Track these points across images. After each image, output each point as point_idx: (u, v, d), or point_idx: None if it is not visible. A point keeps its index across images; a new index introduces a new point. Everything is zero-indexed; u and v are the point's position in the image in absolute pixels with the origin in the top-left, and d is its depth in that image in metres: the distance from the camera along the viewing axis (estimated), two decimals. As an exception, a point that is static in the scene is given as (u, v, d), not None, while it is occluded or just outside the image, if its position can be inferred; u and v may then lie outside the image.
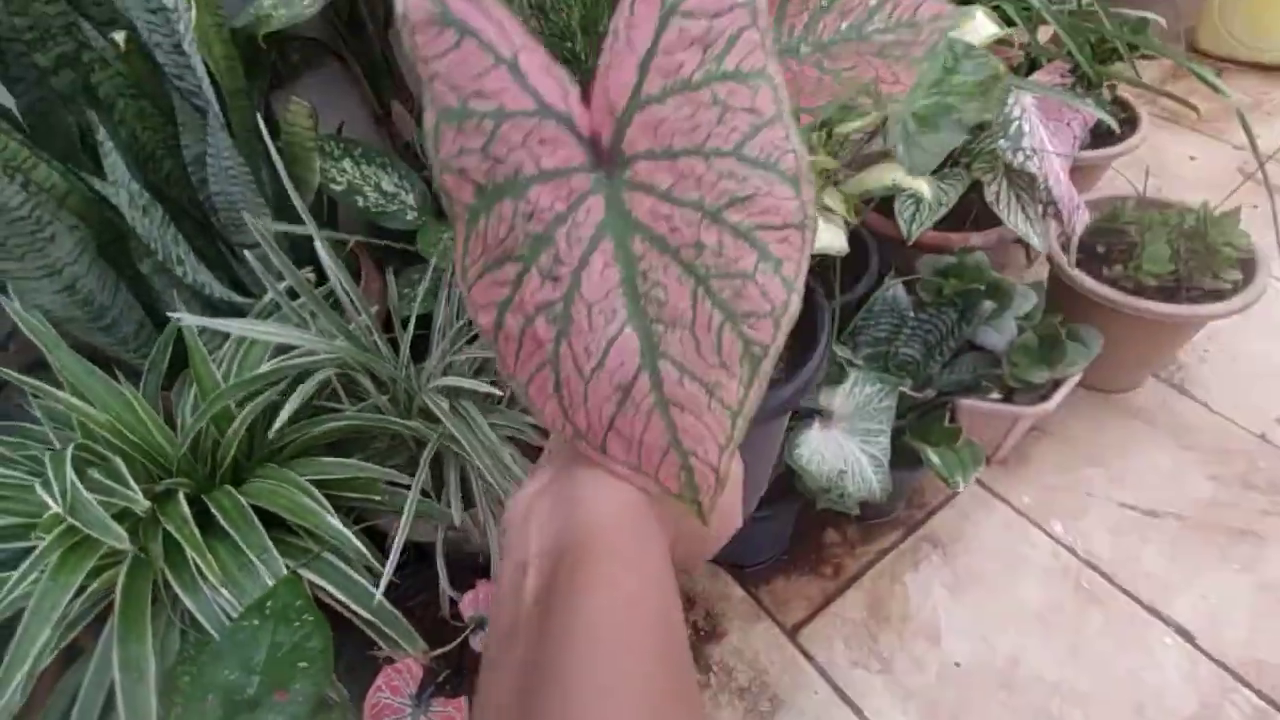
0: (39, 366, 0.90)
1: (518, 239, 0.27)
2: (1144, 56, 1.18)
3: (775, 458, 0.61)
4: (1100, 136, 1.36)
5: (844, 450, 0.81)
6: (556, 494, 0.29)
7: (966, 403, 0.97)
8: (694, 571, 1.07)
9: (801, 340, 0.61)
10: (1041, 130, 1.06)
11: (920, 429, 0.93)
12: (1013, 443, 1.10)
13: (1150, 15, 1.17)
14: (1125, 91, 1.42)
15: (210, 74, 0.76)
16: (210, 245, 0.91)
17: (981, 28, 0.87)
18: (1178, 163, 1.68)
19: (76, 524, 0.61)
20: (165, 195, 0.84)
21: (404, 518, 0.71)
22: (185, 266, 0.79)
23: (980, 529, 1.07)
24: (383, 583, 0.71)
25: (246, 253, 0.75)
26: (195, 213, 0.88)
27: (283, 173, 0.74)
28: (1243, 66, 1.96)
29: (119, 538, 0.61)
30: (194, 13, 0.72)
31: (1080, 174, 1.42)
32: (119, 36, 0.73)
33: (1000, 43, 0.96)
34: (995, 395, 0.95)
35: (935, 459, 0.85)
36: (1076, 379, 1.02)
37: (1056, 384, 1.02)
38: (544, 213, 0.27)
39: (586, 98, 0.28)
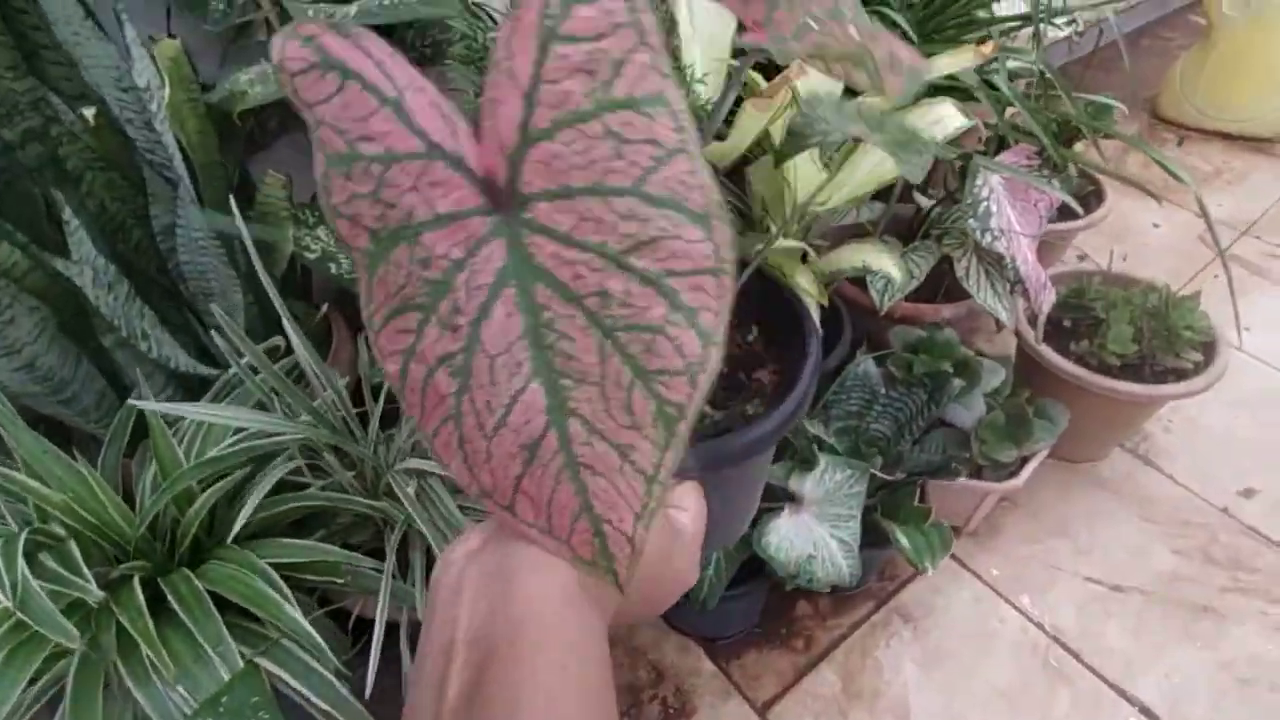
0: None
1: (416, 286, 0.26)
2: (1107, 135, 1.21)
3: (758, 497, 0.59)
4: (1067, 209, 1.39)
5: (813, 535, 0.81)
6: (489, 565, 0.28)
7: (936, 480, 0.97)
8: (648, 620, 1.05)
9: (784, 371, 0.55)
10: (1009, 211, 1.08)
11: (889, 507, 0.93)
12: (982, 515, 1.11)
13: (1112, 101, 1.21)
14: (1085, 164, 1.46)
15: (182, 148, 0.76)
16: (178, 312, 0.89)
17: (950, 120, 0.89)
18: (1143, 230, 1.73)
19: (25, 619, 0.59)
20: (133, 264, 0.83)
21: (379, 608, 0.70)
22: (150, 341, 0.77)
23: (950, 602, 1.08)
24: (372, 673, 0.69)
25: (214, 334, 0.74)
26: (163, 280, 0.87)
27: (251, 250, 0.73)
28: (1205, 134, 2.03)
29: (70, 636, 0.59)
30: (168, 90, 0.71)
31: (1046, 247, 1.45)
32: (89, 112, 0.73)
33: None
34: (965, 477, 0.96)
35: (904, 542, 0.85)
36: (1044, 455, 1.03)
37: (1024, 460, 1.03)
38: (440, 259, 0.26)
39: (479, 135, 0.27)
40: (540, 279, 0.26)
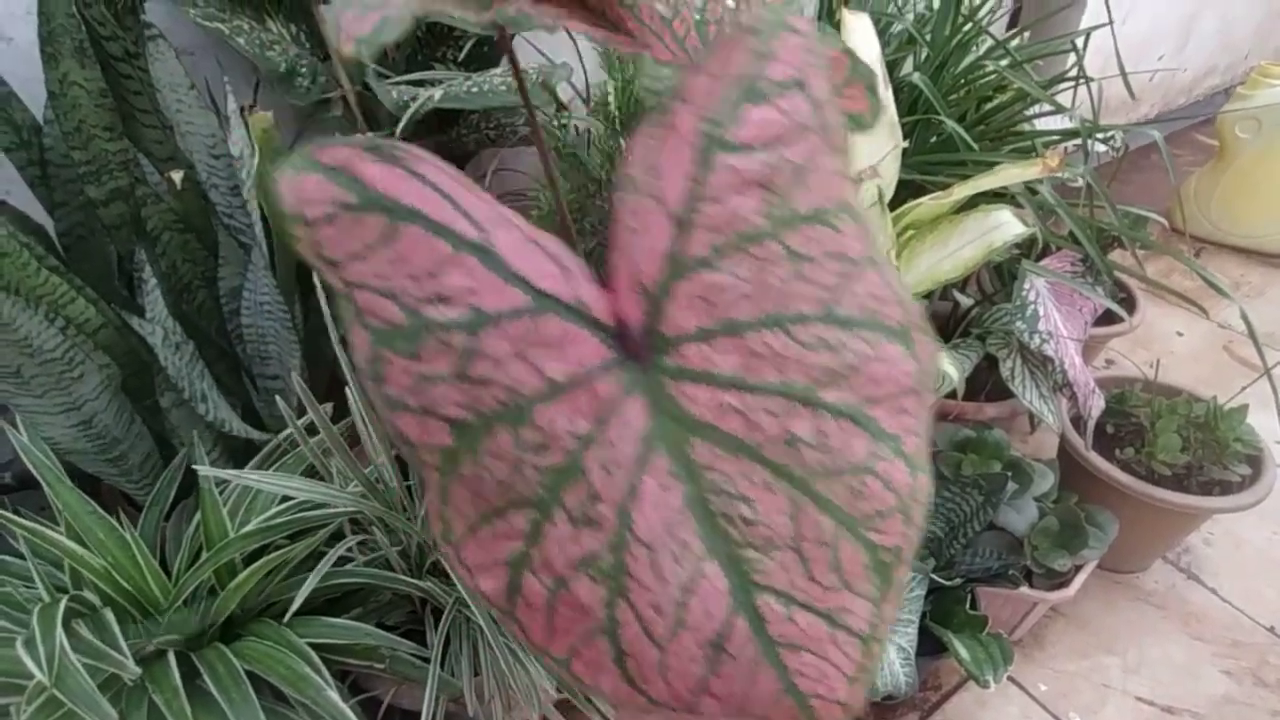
0: (25, 487, 0.85)
1: (527, 478, 0.21)
2: (1144, 246, 1.24)
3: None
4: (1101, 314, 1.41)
5: (873, 641, 0.78)
6: None
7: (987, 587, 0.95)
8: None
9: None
10: (1055, 314, 1.09)
11: (941, 614, 0.90)
12: (1029, 625, 1.08)
13: (1150, 214, 1.24)
14: (1120, 272, 1.49)
15: (263, 215, 0.77)
16: (230, 373, 0.88)
17: (1008, 226, 0.91)
18: (1166, 338, 1.75)
19: (61, 697, 0.56)
20: (195, 324, 0.83)
21: (426, 700, 0.67)
22: (208, 404, 0.76)
23: (997, 717, 1.03)
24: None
25: (278, 399, 0.72)
26: (220, 341, 0.87)
27: (327, 315, 0.73)
28: (1220, 247, 2.08)
29: (108, 718, 0.55)
30: (257, 159, 0.73)
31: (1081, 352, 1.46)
32: (177, 175, 0.74)
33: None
34: (1025, 586, 0.93)
35: (964, 653, 0.82)
36: (1094, 564, 1.01)
37: (1076, 568, 1.00)
38: (561, 438, 0.21)
39: (602, 275, 0.23)
40: (698, 434, 0.22)
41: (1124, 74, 1.20)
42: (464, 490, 0.21)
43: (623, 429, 0.21)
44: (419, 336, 0.20)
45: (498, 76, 0.82)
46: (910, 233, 0.95)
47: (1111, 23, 1.23)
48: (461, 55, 0.99)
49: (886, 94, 0.98)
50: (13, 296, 0.56)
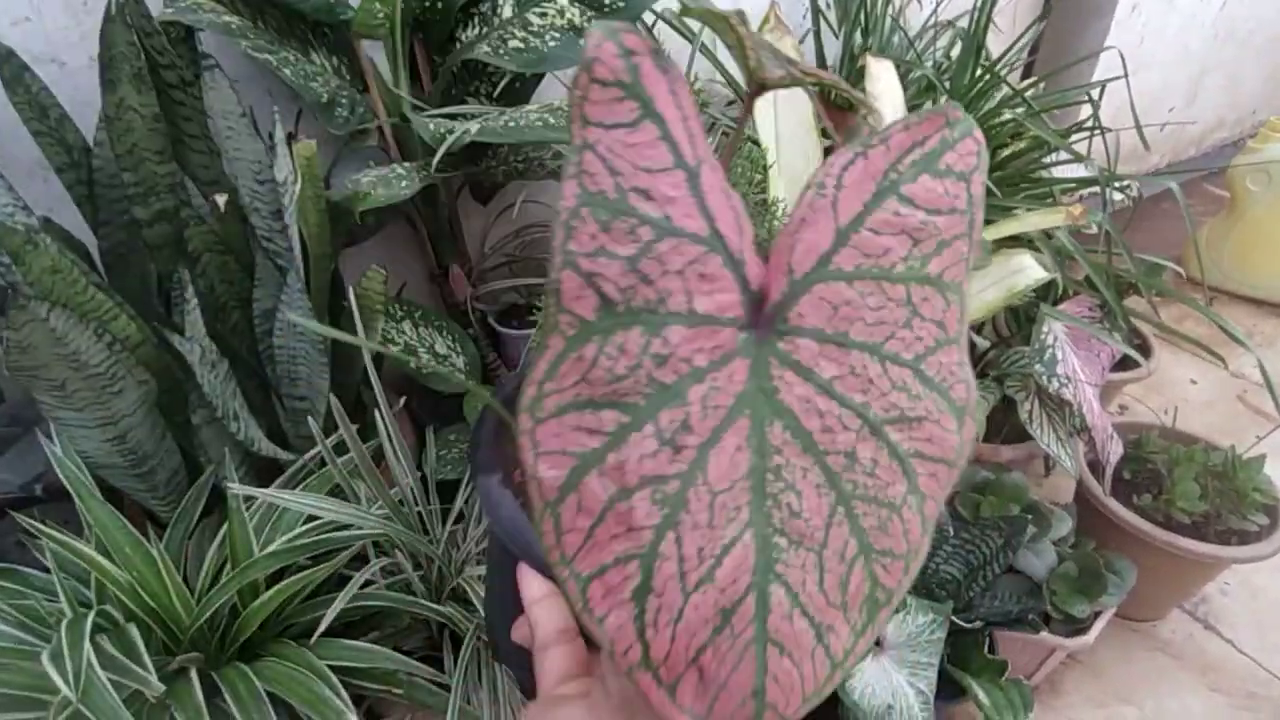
0: (53, 499, 0.85)
1: (637, 382, 0.22)
2: (1160, 293, 1.25)
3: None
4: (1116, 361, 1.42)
5: (893, 683, 0.77)
6: None
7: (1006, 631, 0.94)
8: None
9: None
10: (1074, 358, 1.10)
11: (960, 657, 0.89)
12: (1046, 671, 1.07)
13: (1165, 262, 1.26)
14: (1135, 318, 1.50)
15: (301, 239, 0.78)
16: (259, 392, 0.89)
17: (1030, 270, 0.92)
18: (1180, 385, 1.75)
19: (86, 713, 0.56)
20: (228, 344, 0.84)
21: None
22: (239, 422, 0.77)
23: (1013, 765, 1.01)
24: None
25: (309, 419, 0.73)
26: (250, 360, 0.88)
27: (362, 337, 0.74)
28: (1232, 297, 2.09)
29: (132, 737, 0.55)
30: (299, 185, 0.75)
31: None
32: (221, 199, 0.76)
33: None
34: (1045, 631, 0.93)
35: (984, 698, 0.81)
36: (1113, 611, 1.00)
37: (1095, 615, 0.99)
38: (682, 362, 0.22)
39: (760, 248, 0.25)
40: (780, 418, 0.23)
41: (1139, 125, 1.22)
42: (574, 369, 0.22)
43: (727, 381, 0.23)
44: (618, 214, 0.22)
45: (533, 113, 0.84)
46: (931, 274, 0.97)
47: (1127, 75, 1.26)
48: (496, 91, 1.01)
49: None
50: (65, 311, 0.57)
